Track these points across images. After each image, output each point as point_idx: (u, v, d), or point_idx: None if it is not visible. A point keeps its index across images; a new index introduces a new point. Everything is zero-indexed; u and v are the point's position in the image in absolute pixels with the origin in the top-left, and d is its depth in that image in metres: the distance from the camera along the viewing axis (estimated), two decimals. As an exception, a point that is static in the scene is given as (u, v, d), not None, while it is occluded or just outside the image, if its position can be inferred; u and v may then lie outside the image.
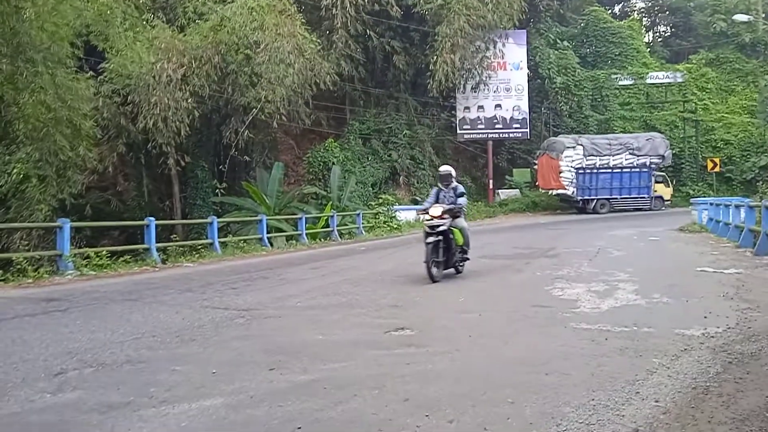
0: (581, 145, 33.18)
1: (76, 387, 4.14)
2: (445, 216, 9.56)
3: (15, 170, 15.46)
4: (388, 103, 34.19)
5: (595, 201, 33.35)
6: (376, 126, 33.38)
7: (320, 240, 20.39)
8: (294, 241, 19.18)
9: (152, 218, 14.13)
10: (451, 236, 9.55)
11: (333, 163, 28.69)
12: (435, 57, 30.91)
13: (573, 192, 33.19)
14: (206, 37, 22.68)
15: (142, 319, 6.74)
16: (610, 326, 5.86)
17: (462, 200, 10.03)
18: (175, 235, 17.81)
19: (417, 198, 31.55)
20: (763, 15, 43.32)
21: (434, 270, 9.25)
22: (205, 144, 25.83)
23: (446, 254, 9.56)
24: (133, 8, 20.41)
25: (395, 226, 24.55)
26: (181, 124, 21.32)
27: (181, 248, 15.76)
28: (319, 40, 26.04)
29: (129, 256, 13.06)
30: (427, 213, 9.74)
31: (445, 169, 10.46)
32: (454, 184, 10.23)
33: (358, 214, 23.84)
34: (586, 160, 33.03)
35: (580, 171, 32.96)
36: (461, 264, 10.18)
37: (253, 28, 22.66)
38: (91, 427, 3.37)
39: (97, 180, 21.58)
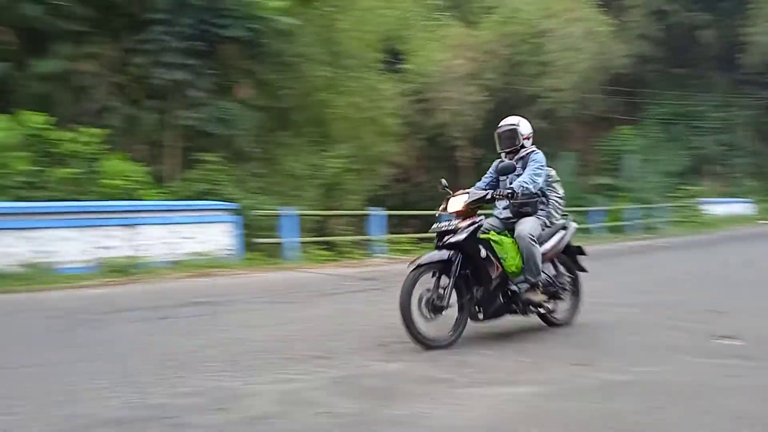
0: None
1: (399, 359, 4.59)
2: (475, 214, 5.06)
3: (334, 165, 17.88)
4: (691, 84, 30.65)
5: None
6: (677, 110, 30.22)
7: (612, 233, 19.31)
8: (589, 235, 18.47)
9: (446, 208, 14.97)
10: (485, 254, 4.91)
11: (627, 152, 26.89)
12: (751, 28, 26.77)
13: None
14: (495, 30, 23.22)
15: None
16: None
17: (524, 179, 5.11)
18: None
19: (731, 190, 27.91)
20: None
21: (421, 324, 4.71)
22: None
23: (474, 288, 4.96)
24: (427, 10, 21.90)
25: (703, 221, 22.09)
26: (471, 118, 22.23)
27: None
28: (614, 21, 24.66)
29: (427, 243, 14.11)
30: (445, 209, 5.22)
31: (507, 123, 5.67)
32: (528, 149, 5.56)
33: (659, 208, 22.04)
34: None
35: None
36: (543, 305, 5.43)
37: (542, 17, 22.49)
38: (416, 396, 3.68)
39: (399, 173, 23.70)
